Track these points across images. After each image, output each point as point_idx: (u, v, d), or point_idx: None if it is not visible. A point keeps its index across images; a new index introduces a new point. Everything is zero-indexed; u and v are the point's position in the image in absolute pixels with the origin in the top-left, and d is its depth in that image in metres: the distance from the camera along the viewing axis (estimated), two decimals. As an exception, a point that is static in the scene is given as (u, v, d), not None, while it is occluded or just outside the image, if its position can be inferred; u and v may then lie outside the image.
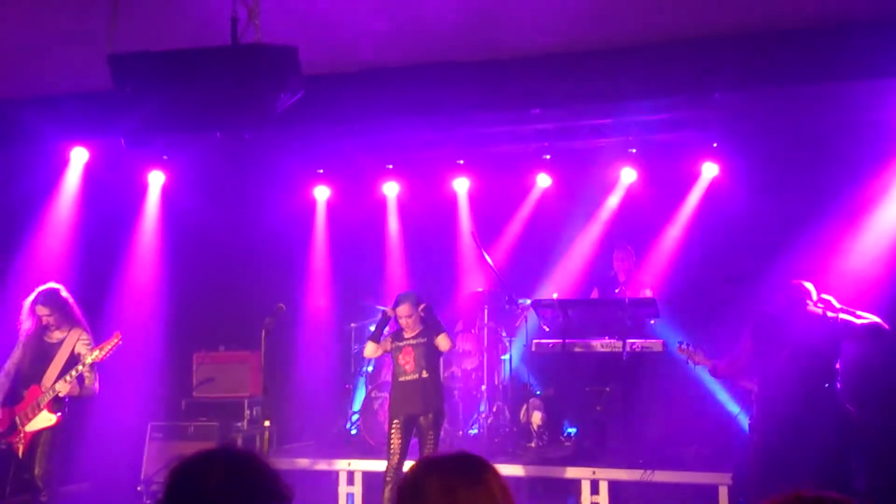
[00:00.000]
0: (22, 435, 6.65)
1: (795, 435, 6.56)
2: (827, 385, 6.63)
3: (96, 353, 6.66)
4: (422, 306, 7.55)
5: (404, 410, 7.46)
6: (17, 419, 6.69)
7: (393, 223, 10.89)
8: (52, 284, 6.89)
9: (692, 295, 9.49)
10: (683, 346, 7.71)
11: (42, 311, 6.75)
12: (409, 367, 7.52)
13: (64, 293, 6.88)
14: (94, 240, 9.30)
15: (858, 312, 6.78)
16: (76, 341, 6.81)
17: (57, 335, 6.82)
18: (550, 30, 6.51)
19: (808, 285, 6.96)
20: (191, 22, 5.86)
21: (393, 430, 7.46)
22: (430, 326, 7.55)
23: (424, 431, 7.41)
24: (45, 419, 6.66)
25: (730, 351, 7.33)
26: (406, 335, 7.60)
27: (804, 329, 6.70)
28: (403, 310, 7.53)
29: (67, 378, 6.63)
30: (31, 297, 6.82)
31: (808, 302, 6.82)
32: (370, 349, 7.82)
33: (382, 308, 8.15)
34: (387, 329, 7.79)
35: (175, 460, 2.29)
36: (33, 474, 6.61)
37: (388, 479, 7.34)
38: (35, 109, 7.53)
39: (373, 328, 7.97)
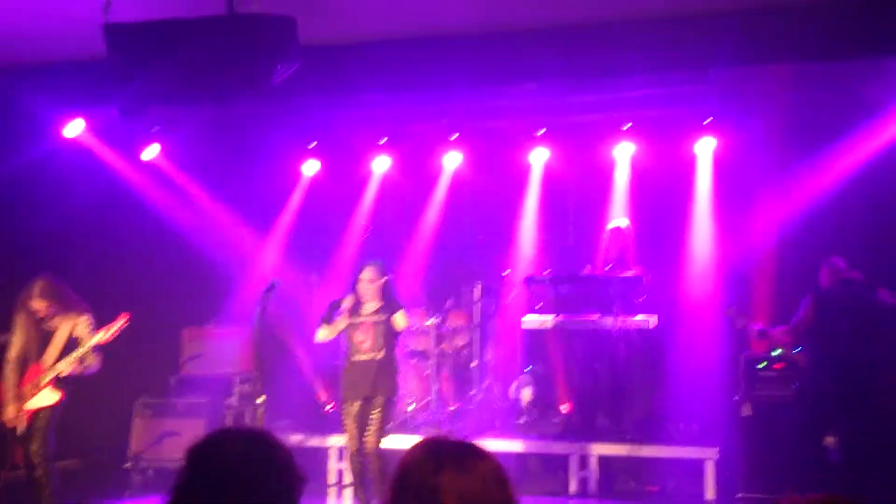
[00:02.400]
0: (22, 412, 6.66)
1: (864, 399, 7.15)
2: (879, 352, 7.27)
3: (101, 333, 6.67)
4: (384, 279, 7.12)
5: (357, 393, 7.04)
6: (18, 398, 6.69)
7: (375, 197, 10.76)
8: (42, 276, 6.84)
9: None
10: (732, 310, 7.93)
11: (40, 304, 6.72)
12: (365, 345, 7.05)
13: (56, 282, 6.85)
14: (85, 214, 9.25)
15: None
16: (75, 324, 6.79)
17: (56, 321, 6.81)
18: (545, 3, 6.49)
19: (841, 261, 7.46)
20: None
21: (345, 415, 7.08)
22: (390, 302, 7.10)
23: (372, 413, 6.96)
24: (47, 397, 6.68)
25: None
26: (364, 310, 7.09)
27: (855, 300, 7.25)
28: (367, 273, 7.08)
29: (70, 358, 6.63)
30: (26, 292, 6.76)
31: (850, 276, 7.42)
32: (322, 333, 7.22)
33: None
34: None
35: (192, 442, 2.30)
36: (30, 450, 6.62)
37: (350, 465, 7.25)
38: (29, 79, 7.44)
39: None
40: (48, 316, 6.75)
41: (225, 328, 9.75)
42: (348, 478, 8.58)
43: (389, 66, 6.99)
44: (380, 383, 6.99)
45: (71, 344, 6.74)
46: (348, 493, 8.45)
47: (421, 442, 2.29)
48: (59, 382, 6.69)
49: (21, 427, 6.67)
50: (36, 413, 6.65)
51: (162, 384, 9.53)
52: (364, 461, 7.02)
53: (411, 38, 6.85)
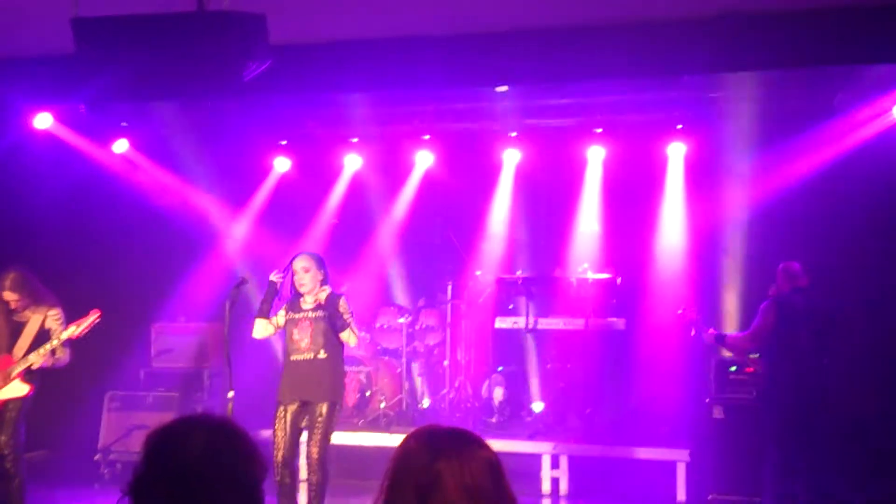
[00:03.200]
0: None
1: (822, 405, 7.13)
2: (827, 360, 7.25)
3: (72, 328, 6.64)
4: (327, 290, 6.35)
5: (294, 396, 6.31)
6: None
7: (346, 195, 10.74)
8: (14, 269, 6.79)
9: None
10: (683, 312, 7.70)
11: (11, 296, 6.69)
12: (303, 343, 6.34)
13: (27, 274, 6.81)
14: (54, 207, 9.18)
15: None
16: (45, 317, 6.77)
17: (27, 314, 6.77)
18: (519, 5, 6.47)
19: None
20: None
21: (277, 420, 6.30)
22: (331, 301, 6.33)
23: (313, 420, 6.24)
24: (16, 389, 6.65)
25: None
26: (304, 304, 6.44)
27: (812, 308, 7.20)
28: (301, 262, 6.40)
29: (41, 351, 6.62)
30: None
31: (803, 282, 7.33)
32: (259, 328, 6.50)
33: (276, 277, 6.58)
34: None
35: (154, 428, 2.25)
36: (1, 442, 6.58)
37: (277, 478, 6.21)
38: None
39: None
40: (18, 308, 6.73)
41: (194, 323, 9.73)
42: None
43: (362, 65, 6.94)
44: (321, 387, 6.28)
45: (41, 336, 6.72)
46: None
47: (416, 431, 2.29)
48: (28, 374, 6.67)
49: None
50: (5, 404, 6.62)
51: (132, 378, 9.51)
52: (294, 473, 6.41)
53: (384, 38, 6.82)
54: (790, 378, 7.08)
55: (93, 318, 6.71)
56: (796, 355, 7.10)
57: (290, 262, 6.45)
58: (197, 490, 2.12)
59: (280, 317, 6.50)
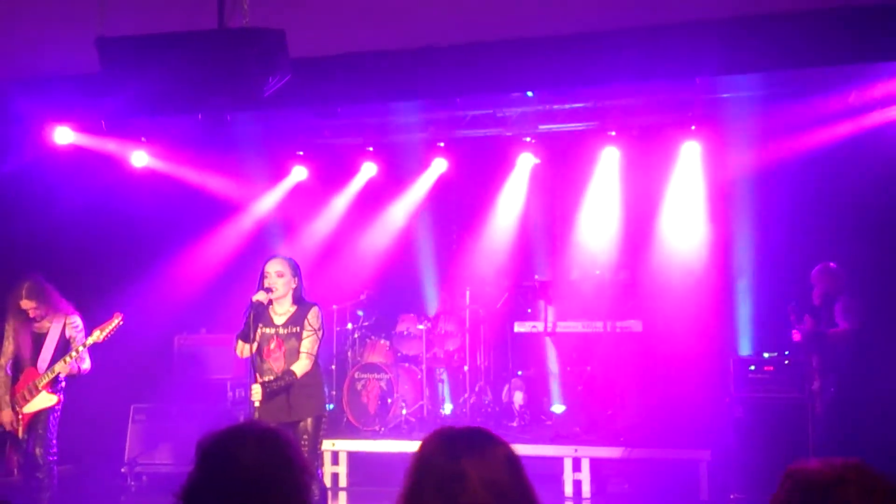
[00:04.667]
0: (20, 416, 6.69)
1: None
2: None
3: (97, 333, 6.65)
4: (295, 280, 6.06)
5: (270, 417, 5.67)
6: (14, 402, 6.71)
7: (362, 204, 10.87)
8: (29, 277, 6.87)
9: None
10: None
11: (28, 304, 6.75)
12: (276, 366, 5.96)
13: (43, 282, 6.88)
14: (75, 221, 9.29)
15: None
16: (65, 325, 6.84)
17: (45, 324, 6.84)
18: (533, 14, 6.54)
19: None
20: (178, 5, 5.84)
21: None
22: (301, 310, 6.05)
23: (298, 439, 5.77)
24: (45, 400, 6.72)
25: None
26: (275, 318, 6.06)
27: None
28: (273, 265, 6.02)
29: (67, 359, 6.67)
30: (14, 293, 6.79)
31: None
32: (243, 349, 6.00)
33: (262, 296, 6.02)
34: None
35: (205, 435, 2.29)
36: (34, 454, 6.65)
37: None
38: (20, 89, 7.48)
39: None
40: (37, 317, 6.79)
41: (217, 334, 9.80)
42: (343, 481, 8.66)
43: (378, 76, 7.02)
44: (300, 405, 5.92)
45: (62, 345, 6.80)
46: (343, 497, 8.52)
47: (436, 432, 2.30)
48: (55, 384, 6.74)
49: (20, 432, 6.69)
50: (36, 416, 6.69)
51: (156, 390, 9.58)
52: None
53: (400, 50, 6.90)
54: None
55: (116, 321, 6.70)
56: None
57: (264, 266, 6.08)
58: (250, 497, 2.18)
59: (257, 335, 5.99)
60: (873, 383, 7.31)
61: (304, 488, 2.27)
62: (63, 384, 6.81)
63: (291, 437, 2.33)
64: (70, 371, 6.73)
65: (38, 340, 6.81)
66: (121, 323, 6.72)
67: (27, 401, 6.70)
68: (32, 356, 6.79)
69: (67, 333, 6.83)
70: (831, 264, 7.71)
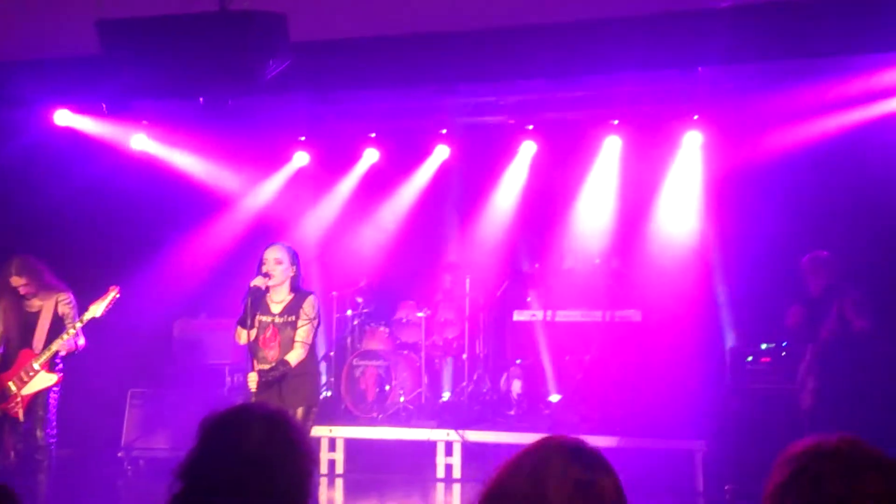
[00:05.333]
0: (19, 399, 6.65)
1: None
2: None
3: (94, 308, 6.60)
4: (309, 298, 6.08)
5: None
6: (11, 384, 6.67)
7: (365, 190, 10.86)
8: (17, 254, 6.83)
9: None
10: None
11: (19, 281, 6.70)
12: (271, 354, 6.00)
13: (32, 259, 6.84)
14: (75, 204, 9.28)
15: None
16: (56, 304, 6.78)
17: (36, 303, 6.79)
18: (536, 1, 6.52)
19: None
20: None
21: None
22: (298, 299, 6.08)
23: None
24: (45, 379, 6.67)
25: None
26: (272, 306, 6.09)
27: None
28: (272, 252, 6.04)
29: (64, 336, 6.62)
30: (4, 270, 6.75)
31: None
32: (242, 336, 6.04)
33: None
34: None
35: (209, 415, 2.28)
36: (35, 436, 6.63)
37: None
38: (21, 72, 7.46)
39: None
40: (28, 294, 6.73)
41: (217, 319, 9.78)
42: (340, 468, 8.67)
43: (380, 62, 7.00)
44: (296, 394, 5.94)
45: (56, 324, 6.74)
46: (339, 483, 8.53)
47: (540, 442, 2.14)
48: (53, 363, 6.69)
49: (20, 414, 6.65)
50: (35, 398, 6.65)
51: (154, 375, 9.57)
52: None
53: (402, 36, 6.87)
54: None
55: (112, 294, 6.64)
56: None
57: (263, 253, 6.10)
58: (253, 477, 2.16)
59: (255, 323, 6.07)
60: (871, 381, 7.26)
61: (305, 473, 2.26)
62: (61, 364, 6.77)
63: (296, 422, 2.32)
64: (68, 348, 6.68)
65: (30, 320, 6.74)
66: (117, 296, 6.66)
67: (25, 382, 6.64)
68: (24, 336, 6.72)
69: (60, 311, 6.77)
70: (824, 253, 7.44)
